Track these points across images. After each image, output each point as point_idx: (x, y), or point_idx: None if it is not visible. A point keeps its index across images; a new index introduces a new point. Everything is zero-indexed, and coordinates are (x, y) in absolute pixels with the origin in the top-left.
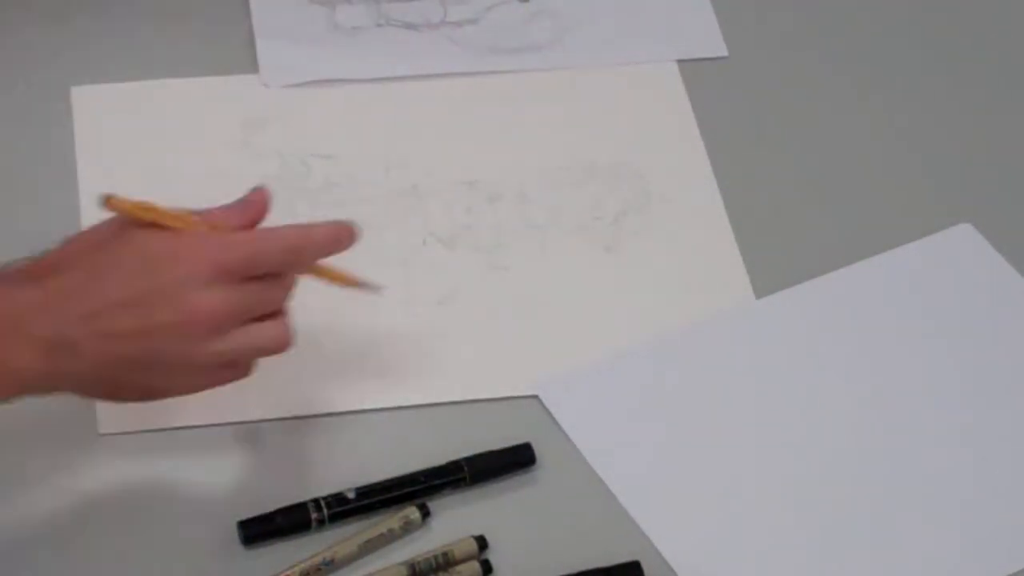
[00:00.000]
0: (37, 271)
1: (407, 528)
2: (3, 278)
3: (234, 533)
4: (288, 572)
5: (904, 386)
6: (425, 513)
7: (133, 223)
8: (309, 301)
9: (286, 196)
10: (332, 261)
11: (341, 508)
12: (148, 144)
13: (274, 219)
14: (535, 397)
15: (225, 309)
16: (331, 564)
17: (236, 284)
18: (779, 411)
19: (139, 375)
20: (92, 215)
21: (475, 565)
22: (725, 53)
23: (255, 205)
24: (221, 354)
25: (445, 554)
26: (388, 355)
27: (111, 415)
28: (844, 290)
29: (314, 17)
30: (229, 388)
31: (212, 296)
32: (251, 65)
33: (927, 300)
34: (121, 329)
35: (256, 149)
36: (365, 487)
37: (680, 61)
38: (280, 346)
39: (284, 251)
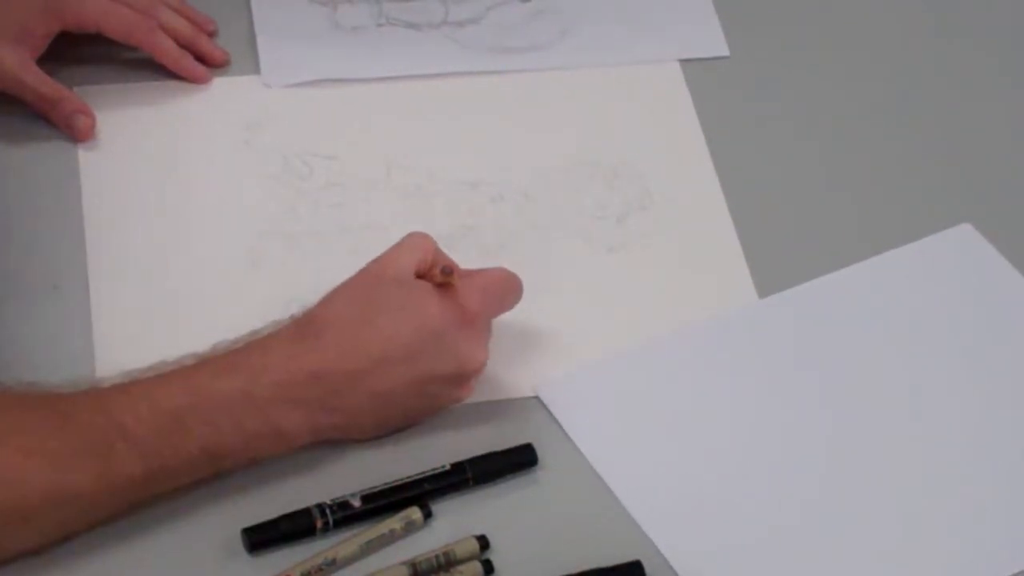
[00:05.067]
0: (305, 331)
1: (409, 528)
2: (275, 339)
3: (238, 540)
4: (289, 572)
5: (905, 386)
6: (427, 513)
7: (385, 278)
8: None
9: (288, 196)
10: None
11: (345, 513)
12: (149, 144)
13: (276, 219)
14: (536, 398)
15: (487, 352)
16: (333, 564)
17: (488, 326)
18: (781, 411)
19: (396, 420)
20: (94, 216)
21: (476, 565)
22: (727, 53)
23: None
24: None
25: (447, 554)
26: None
27: None
28: (846, 290)
29: (315, 17)
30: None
31: (483, 346)
32: (252, 65)
33: (928, 300)
34: (398, 383)
35: (258, 149)
36: (369, 492)
37: (682, 61)
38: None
39: (517, 296)
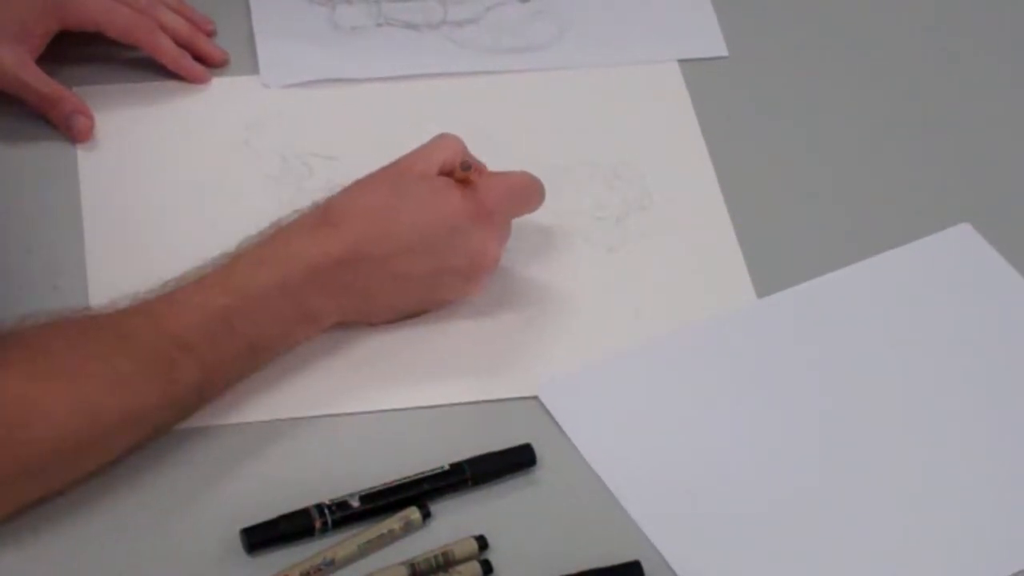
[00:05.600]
0: (328, 219)
1: (408, 528)
2: (299, 228)
3: (237, 540)
4: (288, 572)
5: (904, 386)
6: (426, 513)
7: (410, 172)
8: None
9: (287, 197)
10: None
11: (344, 514)
12: (149, 144)
13: (275, 220)
14: (535, 398)
15: (501, 251)
16: (331, 564)
17: (505, 226)
18: (780, 411)
19: (411, 307)
20: (94, 216)
21: (475, 565)
22: (725, 53)
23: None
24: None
25: (445, 554)
26: (389, 357)
27: None
28: (845, 290)
29: (314, 17)
30: (230, 390)
31: (497, 244)
32: (251, 65)
33: (927, 300)
34: (416, 271)
35: (257, 149)
36: (368, 493)
37: (681, 61)
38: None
39: (539, 199)
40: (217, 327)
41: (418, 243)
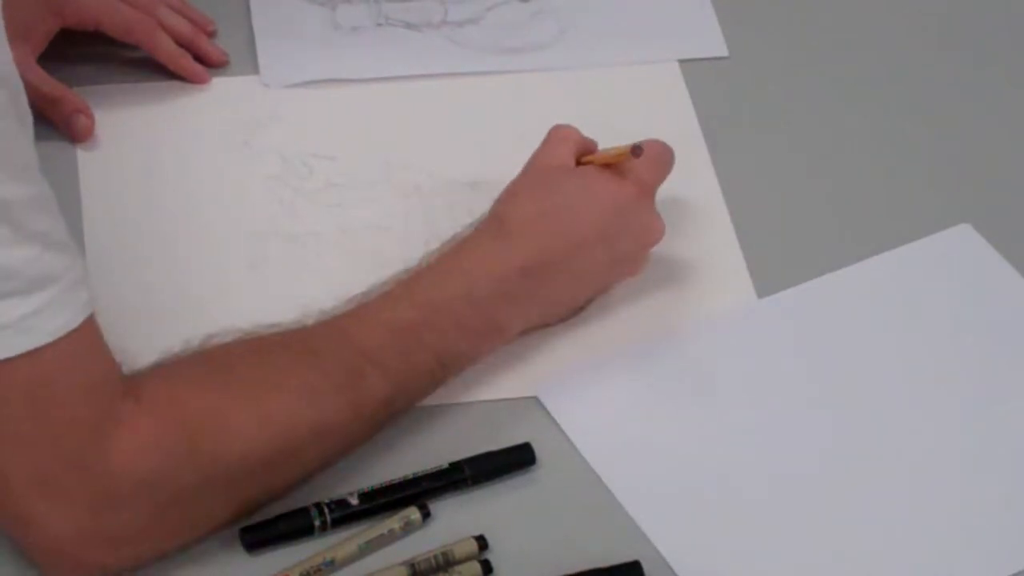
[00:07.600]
0: (504, 230)
1: (408, 528)
2: (481, 240)
3: (236, 539)
4: (288, 572)
5: (904, 386)
6: (426, 513)
7: (554, 169)
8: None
9: (287, 196)
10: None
11: (343, 513)
12: (149, 144)
13: (276, 219)
14: (535, 398)
15: (663, 222)
16: (332, 564)
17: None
18: (779, 411)
19: (585, 300)
20: (93, 217)
21: (475, 565)
22: (726, 53)
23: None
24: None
25: (445, 554)
26: None
27: None
28: (845, 290)
29: (314, 17)
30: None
31: (658, 215)
32: (252, 65)
33: (927, 300)
34: (594, 265)
35: (257, 149)
36: (367, 491)
37: (681, 61)
38: None
39: (672, 164)
40: (406, 340)
41: (593, 236)
